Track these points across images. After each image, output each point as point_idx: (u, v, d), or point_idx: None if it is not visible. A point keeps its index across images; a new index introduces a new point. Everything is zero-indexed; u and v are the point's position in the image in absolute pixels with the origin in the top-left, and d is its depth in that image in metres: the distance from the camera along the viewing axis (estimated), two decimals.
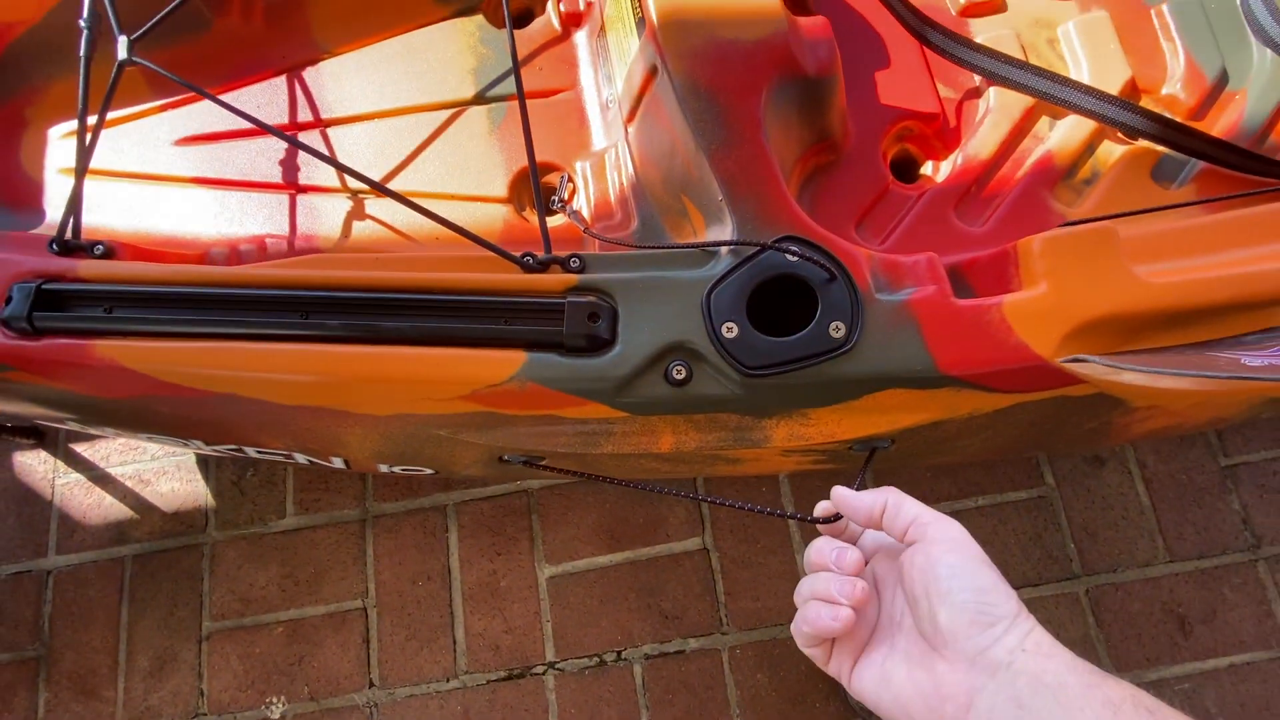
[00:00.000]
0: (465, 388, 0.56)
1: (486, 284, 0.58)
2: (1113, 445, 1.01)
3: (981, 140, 0.80)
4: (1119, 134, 0.79)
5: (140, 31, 0.65)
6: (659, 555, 0.98)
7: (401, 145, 0.83)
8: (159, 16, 0.67)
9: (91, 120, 0.65)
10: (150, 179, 0.80)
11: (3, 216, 0.76)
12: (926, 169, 0.84)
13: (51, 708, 0.95)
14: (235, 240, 0.76)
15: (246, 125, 0.64)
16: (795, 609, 0.41)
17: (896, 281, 0.59)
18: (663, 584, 0.97)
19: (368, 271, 0.59)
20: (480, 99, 0.84)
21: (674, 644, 0.94)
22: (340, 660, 0.95)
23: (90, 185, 0.71)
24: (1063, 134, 0.80)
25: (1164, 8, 0.84)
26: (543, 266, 0.59)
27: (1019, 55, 0.83)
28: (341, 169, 0.64)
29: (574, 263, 0.59)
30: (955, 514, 0.95)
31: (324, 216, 0.77)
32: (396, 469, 0.72)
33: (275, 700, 0.94)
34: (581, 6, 0.86)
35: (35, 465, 1.05)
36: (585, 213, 0.78)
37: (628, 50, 0.76)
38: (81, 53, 0.65)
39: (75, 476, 1.05)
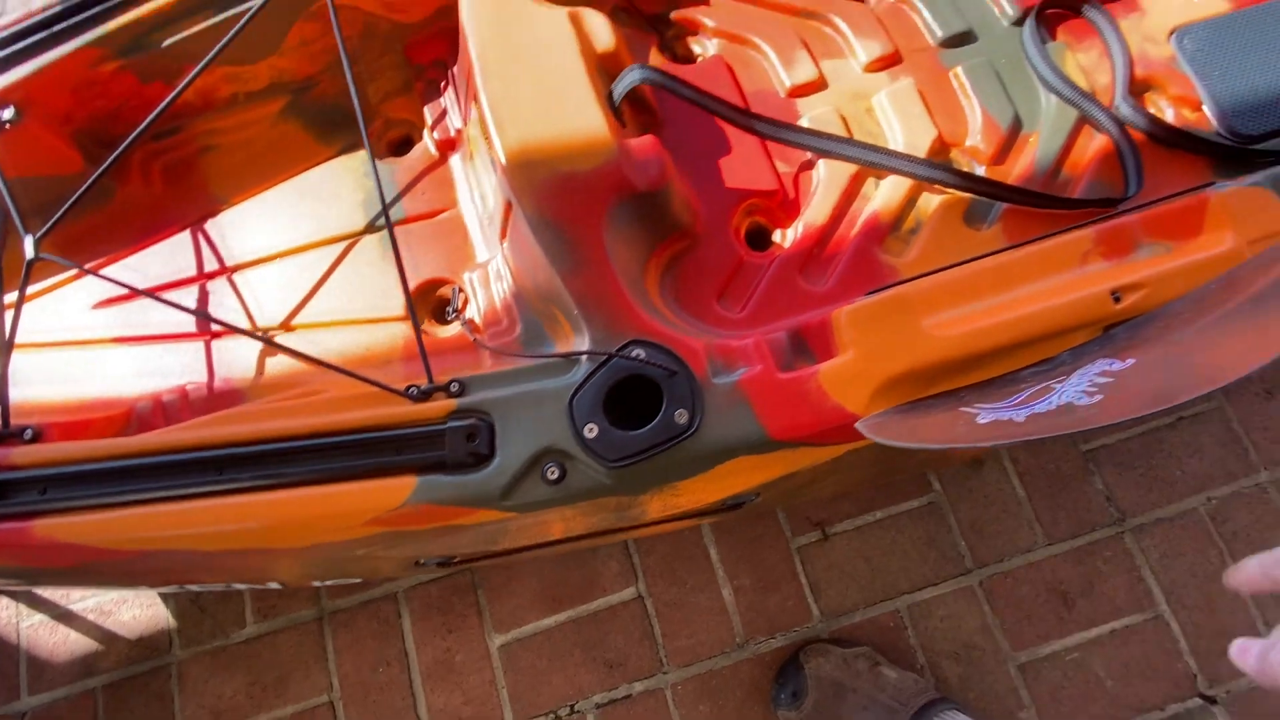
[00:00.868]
0: (367, 515, 0.64)
1: (376, 420, 0.66)
2: (957, 465, 1.13)
3: (817, 208, 0.92)
4: (934, 186, 0.91)
5: (44, 230, 0.72)
6: (598, 609, 1.06)
7: (304, 280, 0.91)
8: (60, 213, 0.74)
9: (10, 315, 0.72)
10: (72, 345, 0.87)
11: None
12: (777, 236, 0.95)
13: None
14: (158, 393, 0.83)
15: (160, 282, 0.72)
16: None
17: (731, 364, 0.69)
18: (605, 635, 1.05)
19: (273, 422, 0.67)
20: (371, 228, 0.93)
21: (621, 689, 1.03)
22: None
23: (16, 357, 0.78)
24: (885, 193, 0.92)
25: (959, 70, 0.97)
26: (425, 395, 0.68)
27: (841, 127, 0.95)
28: (225, 326, 0.72)
29: (454, 387, 0.68)
30: (858, 530, 1.06)
31: (237, 359, 0.85)
32: (328, 583, 0.80)
33: None
34: (453, 133, 0.95)
35: None
36: (478, 318, 0.87)
37: (493, 175, 0.85)
38: None
39: (39, 617, 1.09)
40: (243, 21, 0.81)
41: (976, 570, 1.05)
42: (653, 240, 0.83)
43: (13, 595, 1.10)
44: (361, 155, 0.96)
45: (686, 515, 0.76)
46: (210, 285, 0.90)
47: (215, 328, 0.87)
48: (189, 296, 0.89)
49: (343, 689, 1.03)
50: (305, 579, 0.83)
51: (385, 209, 0.77)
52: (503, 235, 0.85)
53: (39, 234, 0.72)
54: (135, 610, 1.08)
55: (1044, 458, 1.10)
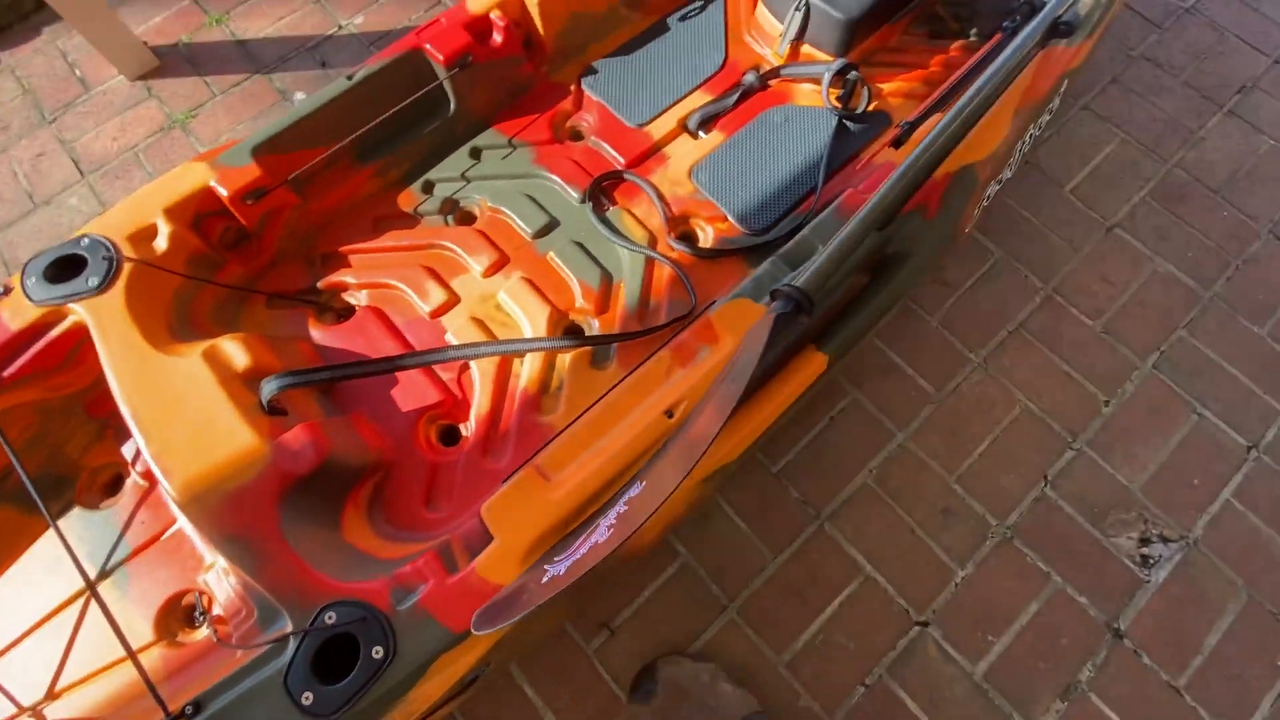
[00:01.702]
0: None
1: None
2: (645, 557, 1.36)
3: (481, 399, 1.14)
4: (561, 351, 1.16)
5: None
6: None
7: (54, 647, 0.99)
8: None
9: None
10: None
11: None
12: (463, 429, 1.16)
13: None
14: None
15: None
16: None
17: (410, 588, 0.87)
18: None
19: None
20: (104, 574, 1.03)
21: None
22: None
23: None
24: (529, 368, 1.17)
25: (551, 254, 1.25)
26: None
27: (479, 330, 1.19)
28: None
29: (188, 709, 0.80)
30: (635, 613, 1.26)
31: None
32: None
33: None
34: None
35: None
36: (223, 612, 0.99)
37: None
38: None
39: None
40: None
41: (731, 605, 1.30)
42: (341, 493, 1.01)
43: None
44: (75, 511, 1.07)
45: (432, 710, 0.92)
46: None
47: None
48: None
49: None
50: None
51: (90, 584, 0.88)
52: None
53: None
54: None
55: (748, 490, 1.38)
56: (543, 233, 1.28)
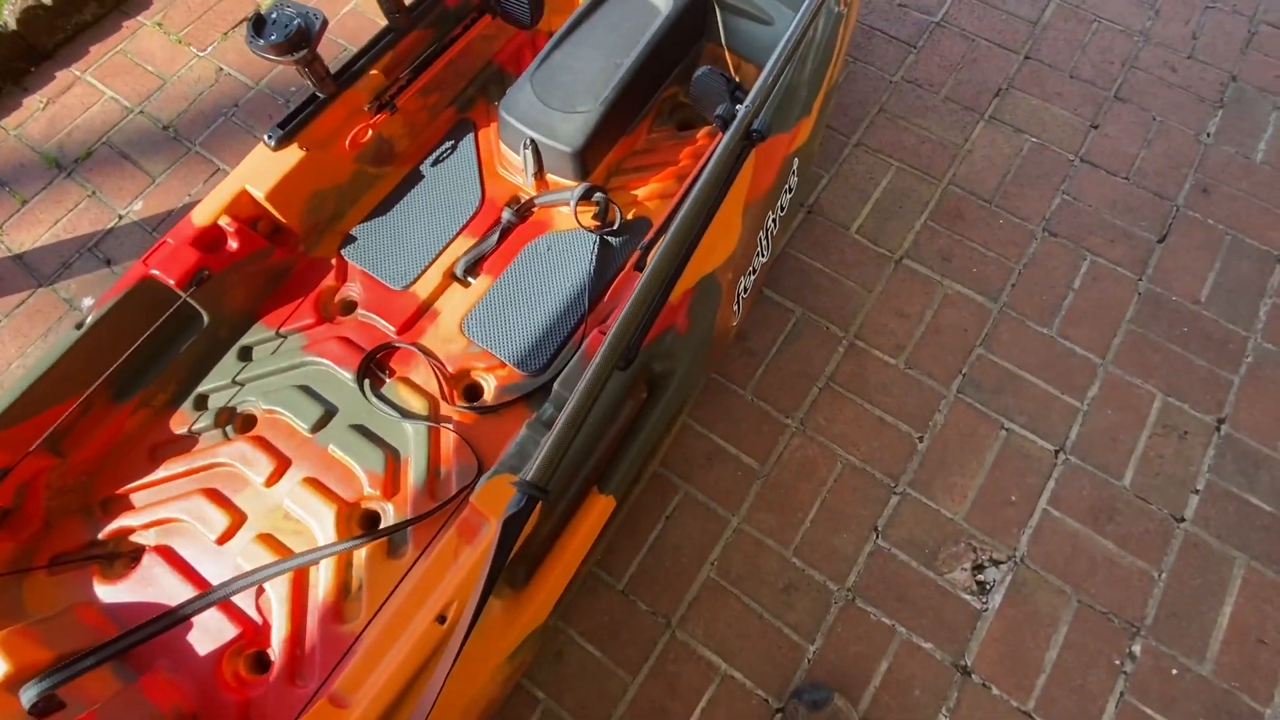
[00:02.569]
0: None
1: None
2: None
3: (280, 621, 1.12)
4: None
5: None
6: None
7: None
8: None
9: None
10: None
11: None
12: (271, 654, 1.14)
13: None
14: None
15: None
16: None
17: None
18: None
19: None
20: None
21: None
22: None
23: None
24: (325, 575, 1.15)
25: (331, 445, 1.24)
26: None
27: (268, 546, 1.17)
28: None
29: None
30: None
31: None
32: None
33: None
34: None
35: None
36: None
37: None
38: None
39: None
40: None
41: None
42: None
43: None
44: None
45: None
46: None
47: None
48: None
49: None
50: None
51: None
52: None
53: None
54: None
55: (596, 615, 1.38)
56: (321, 424, 1.27)
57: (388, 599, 1.07)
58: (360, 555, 1.18)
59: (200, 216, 1.28)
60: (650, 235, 1.25)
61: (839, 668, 1.34)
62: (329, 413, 1.28)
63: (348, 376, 1.30)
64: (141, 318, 1.24)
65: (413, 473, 1.23)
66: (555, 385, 1.11)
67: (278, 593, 1.14)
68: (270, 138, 1.30)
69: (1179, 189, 1.73)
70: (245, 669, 1.13)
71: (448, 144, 1.52)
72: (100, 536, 1.20)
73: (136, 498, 1.23)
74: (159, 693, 1.06)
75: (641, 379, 1.19)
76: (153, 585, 1.16)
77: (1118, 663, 1.32)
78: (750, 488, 1.48)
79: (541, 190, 1.45)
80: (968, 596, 1.38)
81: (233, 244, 1.29)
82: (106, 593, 1.17)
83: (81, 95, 2.00)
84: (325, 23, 1.21)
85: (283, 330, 1.36)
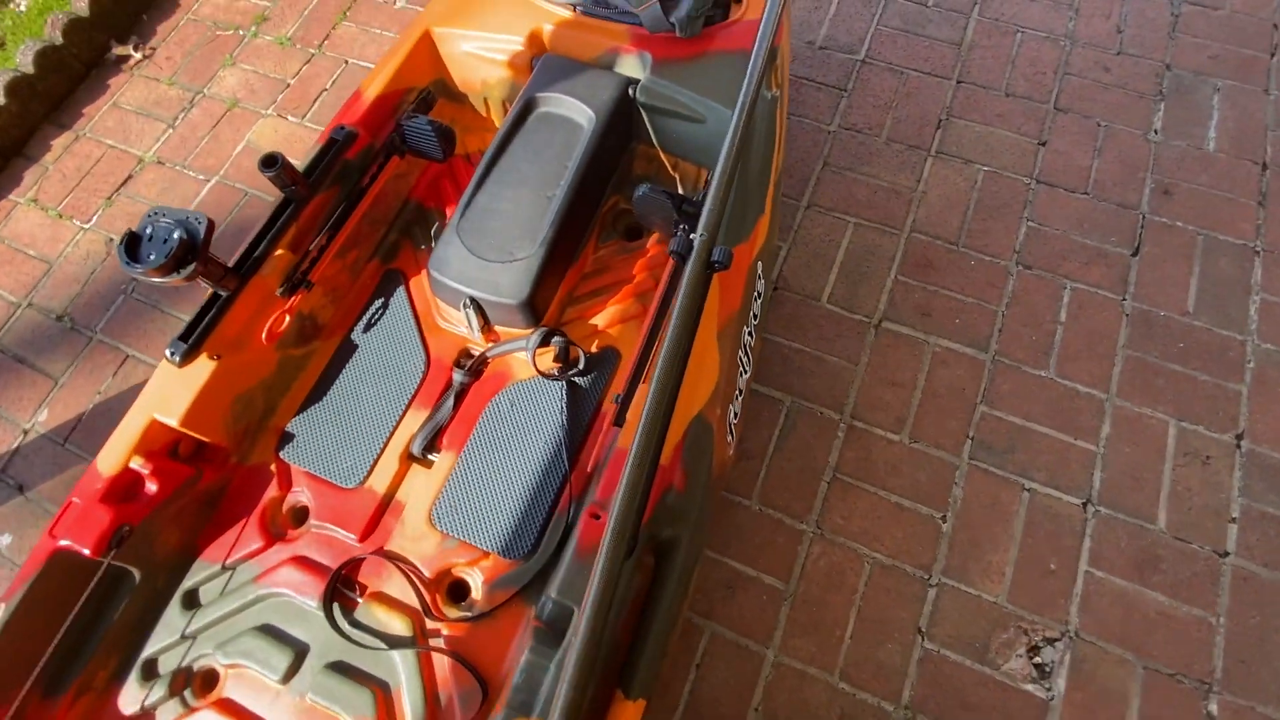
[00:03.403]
0: None
1: None
2: None
3: None
4: None
5: None
6: None
7: None
8: None
9: None
10: None
11: None
12: None
13: None
14: None
15: None
16: None
17: None
18: None
19: None
20: None
21: None
22: None
23: None
24: None
25: (309, 694, 1.08)
26: None
27: None
28: None
29: None
30: None
31: None
32: None
33: None
34: None
35: None
36: None
37: None
38: None
39: None
40: None
41: None
42: None
43: None
44: None
45: None
46: None
47: None
48: None
49: None
50: None
51: None
52: None
53: None
54: None
55: None
56: (292, 670, 1.11)
57: None
58: None
59: (107, 463, 1.11)
60: (624, 388, 1.13)
61: None
62: (300, 653, 1.11)
63: (313, 604, 1.14)
64: (61, 598, 1.06)
65: (409, 708, 1.07)
66: (553, 595, 0.98)
67: None
68: (173, 354, 1.14)
69: (1140, 195, 1.69)
70: None
71: (377, 304, 1.38)
72: None
73: None
74: None
75: (647, 549, 1.07)
76: None
77: None
78: (779, 612, 1.36)
79: (491, 342, 1.32)
80: (1030, 687, 1.29)
81: (151, 487, 1.12)
82: None
83: None
84: (211, 225, 1.06)
85: (229, 563, 1.19)
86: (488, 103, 1.49)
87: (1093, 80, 1.83)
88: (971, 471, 1.44)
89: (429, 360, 1.33)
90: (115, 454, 1.12)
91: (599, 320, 1.34)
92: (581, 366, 1.27)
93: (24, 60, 1.93)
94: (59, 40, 2.00)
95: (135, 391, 1.63)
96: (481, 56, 1.42)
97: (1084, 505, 1.41)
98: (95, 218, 1.86)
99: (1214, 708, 1.25)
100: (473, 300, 1.21)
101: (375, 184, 1.37)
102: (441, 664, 1.11)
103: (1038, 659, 1.30)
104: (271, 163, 1.15)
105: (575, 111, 1.32)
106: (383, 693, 1.09)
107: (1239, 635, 1.30)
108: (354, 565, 1.19)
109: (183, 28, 2.14)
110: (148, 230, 1.02)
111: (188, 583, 1.19)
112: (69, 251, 1.82)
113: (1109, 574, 1.35)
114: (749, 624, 1.35)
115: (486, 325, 1.28)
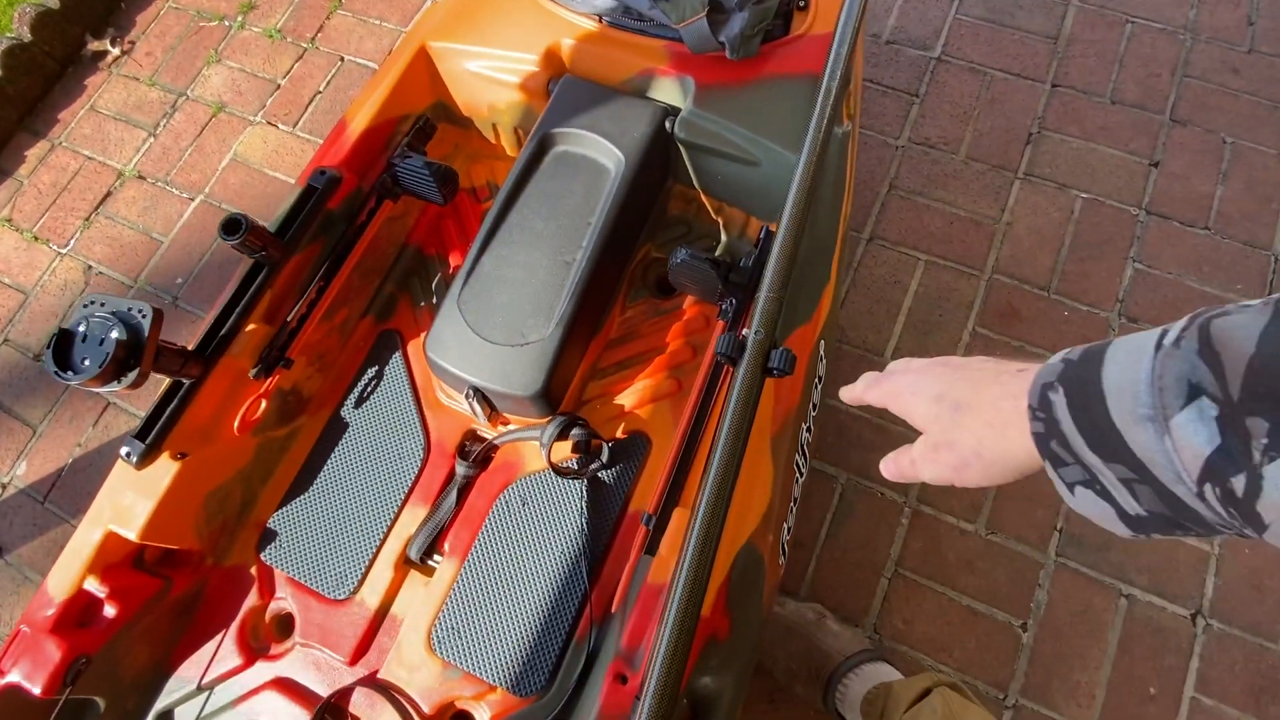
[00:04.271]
0: None
1: None
2: None
3: None
4: None
5: None
6: None
7: None
8: None
9: None
10: None
11: None
12: None
13: None
14: None
15: None
16: None
17: None
18: None
19: None
20: None
21: None
22: None
23: None
24: None
25: None
26: None
27: None
28: None
29: None
30: None
31: None
32: None
33: None
34: None
35: None
36: None
37: None
38: None
39: None
40: None
41: None
42: None
43: None
44: None
45: None
46: None
47: None
48: None
49: None
50: None
51: None
52: None
53: None
54: None
55: None
56: None
57: None
58: None
59: (58, 585, 0.96)
60: (655, 507, 0.94)
61: None
62: None
63: None
64: None
65: None
66: None
67: None
68: (129, 454, 0.98)
69: (1273, 232, 1.41)
70: None
71: (370, 372, 1.20)
72: None
73: None
74: None
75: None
76: None
77: None
78: None
79: (499, 426, 1.14)
80: None
81: (111, 610, 0.98)
82: None
83: None
84: (159, 317, 0.88)
85: (206, 682, 1.06)
86: (497, 129, 1.26)
87: (1218, 85, 1.53)
88: (1059, 572, 1.24)
89: (429, 445, 1.14)
90: (67, 574, 0.97)
91: (625, 400, 1.14)
92: (605, 460, 1.09)
93: None
94: (28, 37, 1.80)
95: (116, 445, 1.49)
96: (488, 78, 1.19)
97: (1193, 618, 1.20)
98: (73, 241, 1.69)
99: None
100: (476, 389, 1.03)
101: (366, 233, 1.17)
102: None
103: None
104: (234, 228, 0.96)
105: (600, 152, 1.10)
106: None
107: None
108: (344, 694, 1.05)
109: (163, 17, 1.92)
110: (79, 328, 0.84)
111: (161, 703, 1.06)
112: (46, 280, 1.67)
113: (1220, 701, 1.16)
114: None
115: (494, 413, 1.10)
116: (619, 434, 1.10)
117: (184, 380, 0.98)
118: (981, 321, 1.39)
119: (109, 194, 1.73)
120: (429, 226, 1.28)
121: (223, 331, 1.01)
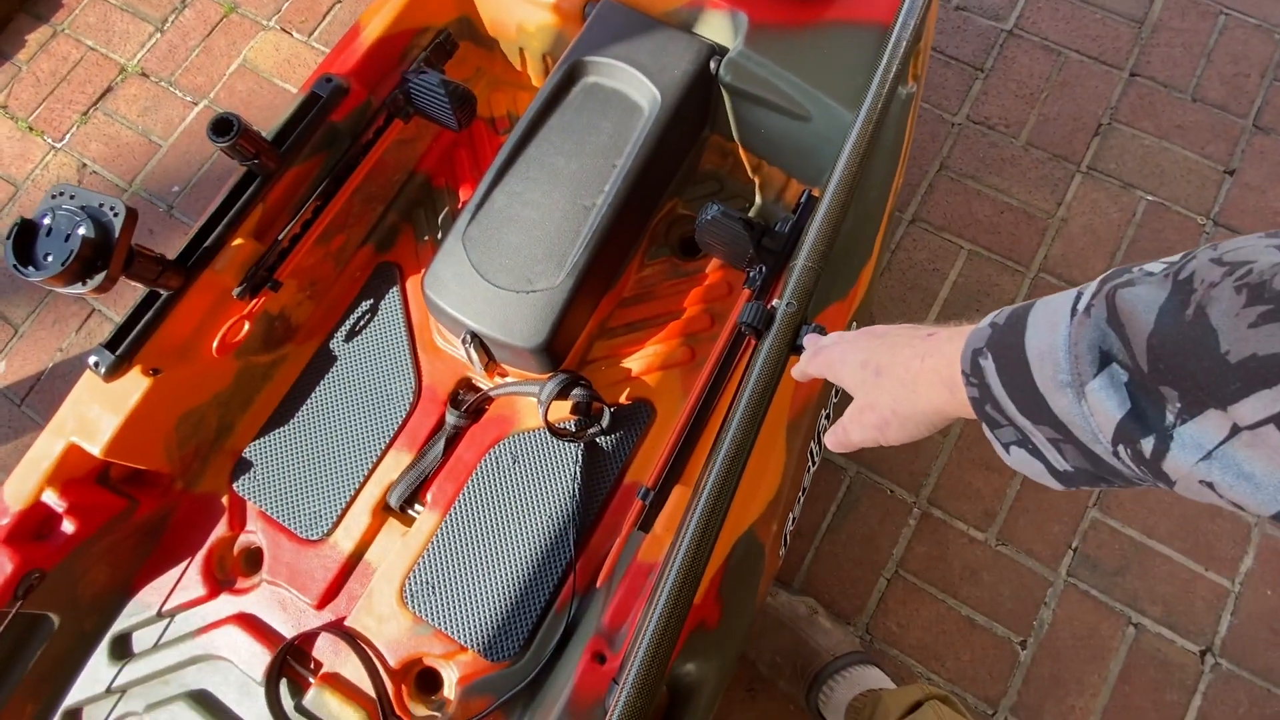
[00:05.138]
0: None
1: None
2: None
3: None
4: None
5: None
6: None
7: None
8: None
9: None
10: None
11: None
12: None
13: None
14: None
15: None
16: None
17: None
18: None
19: None
20: None
21: None
22: None
23: None
24: None
25: None
26: None
27: None
28: None
29: None
30: None
31: None
32: None
33: None
34: None
35: None
36: None
37: None
38: None
39: None
40: None
41: None
42: None
43: None
44: None
45: None
46: None
47: None
48: None
49: None
50: None
51: None
52: None
53: None
54: None
55: None
56: None
57: None
58: None
59: (14, 495, 0.90)
60: (654, 482, 0.88)
61: None
62: None
63: (256, 677, 0.97)
64: None
65: None
66: None
67: None
68: (98, 364, 0.91)
69: None
70: None
71: (365, 305, 1.12)
72: None
73: None
74: None
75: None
76: None
77: None
78: None
79: (496, 377, 1.06)
80: None
81: (69, 526, 0.93)
82: None
83: None
84: (133, 216, 0.80)
85: (166, 608, 1.01)
86: (524, 54, 1.16)
87: None
88: (1068, 592, 1.18)
89: (420, 389, 1.07)
90: (24, 485, 0.91)
91: (633, 364, 1.06)
92: (605, 425, 1.02)
93: None
94: None
95: None
96: None
97: (1202, 654, 1.14)
98: (69, 136, 1.60)
99: None
100: (473, 336, 0.96)
101: (371, 153, 1.08)
102: None
103: None
104: (225, 129, 0.86)
105: (635, 87, 1.00)
106: None
107: None
108: (308, 638, 1.00)
109: None
110: (44, 221, 0.77)
111: (118, 626, 1.02)
112: (38, 175, 1.58)
113: None
114: None
115: (491, 363, 1.02)
116: (622, 399, 1.03)
117: (161, 291, 0.91)
118: None
119: (109, 89, 1.63)
120: (441, 155, 1.18)
121: (206, 243, 0.93)
